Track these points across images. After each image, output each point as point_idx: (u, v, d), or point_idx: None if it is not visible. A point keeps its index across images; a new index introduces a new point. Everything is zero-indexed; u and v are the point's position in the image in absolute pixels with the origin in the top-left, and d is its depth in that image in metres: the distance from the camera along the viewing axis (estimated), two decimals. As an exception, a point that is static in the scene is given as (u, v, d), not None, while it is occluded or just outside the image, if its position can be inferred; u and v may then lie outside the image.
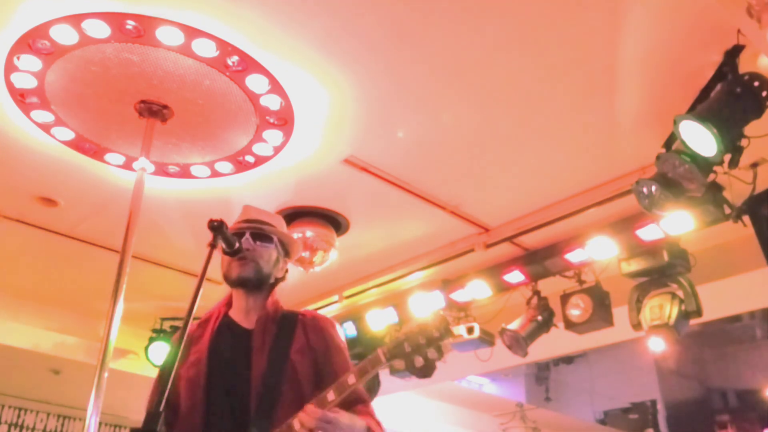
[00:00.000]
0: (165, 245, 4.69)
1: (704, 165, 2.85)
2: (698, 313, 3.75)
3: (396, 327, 5.25)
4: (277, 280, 2.41)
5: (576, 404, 12.94)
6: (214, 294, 2.45)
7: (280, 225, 2.46)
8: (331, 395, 1.93)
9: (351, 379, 1.94)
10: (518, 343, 4.42)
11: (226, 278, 2.31)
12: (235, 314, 2.32)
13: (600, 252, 4.07)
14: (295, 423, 1.94)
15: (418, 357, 1.86)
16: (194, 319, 1.95)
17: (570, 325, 4.28)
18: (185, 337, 2.00)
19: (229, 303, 2.37)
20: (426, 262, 4.74)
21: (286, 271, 2.46)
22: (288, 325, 2.28)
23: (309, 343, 2.26)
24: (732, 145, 2.80)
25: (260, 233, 2.35)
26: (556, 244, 4.31)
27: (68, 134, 3.49)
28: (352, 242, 4.48)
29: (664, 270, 3.87)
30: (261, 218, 2.40)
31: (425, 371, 1.92)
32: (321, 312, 5.48)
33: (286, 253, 2.45)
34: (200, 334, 2.28)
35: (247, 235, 2.30)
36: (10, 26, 2.80)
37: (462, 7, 2.65)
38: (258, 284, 2.31)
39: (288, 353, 2.18)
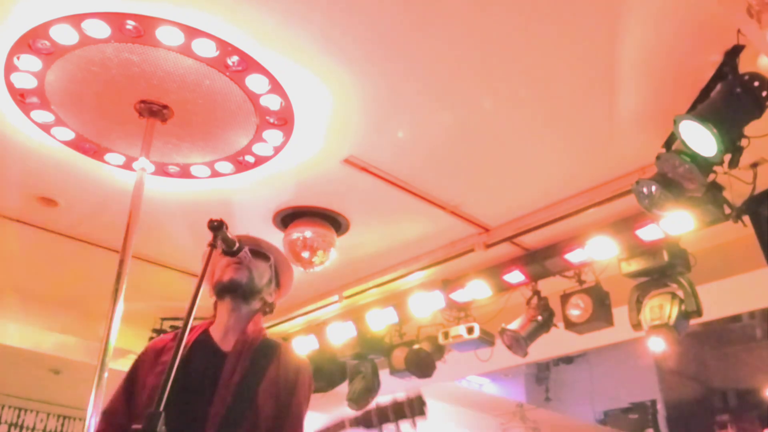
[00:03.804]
0: (165, 245, 4.69)
1: (704, 165, 2.85)
2: (698, 313, 3.75)
3: (396, 327, 5.26)
4: (265, 305, 2.39)
5: (576, 404, 12.92)
6: (214, 294, 2.45)
7: (278, 253, 2.47)
8: None
9: None
10: (518, 343, 4.42)
11: (218, 284, 2.30)
12: (215, 331, 2.28)
13: (600, 252, 4.07)
14: None
15: (383, 428, 1.92)
16: (195, 319, 1.93)
17: (570, 325, 4.28)
18: (157, 351, 2.12)
19: (209, 323, 2.33)
20: (426, 262, 4.74)
21: (274, 304, 2.44)
22: (264, 357, 2.23)
23: (278, 379, 2.21)
24: (732, 145, 2.79)
25: (258, 251, 2.36)
26: (556, 244, 4.31)
27: (68, 134, 3.50)
28: (352, 242, 4.48)
29: (664, 270, 3.87)
30: (258, 240, 2.42)
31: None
32: (321, 312, 5.55)
33: (278, 284, 2.45)
34: (172, 346, 2.18)
35: (246, 249, 2.28)
36: (10, 26, 2.80)
37: (462, 7, 2.65)
38: (247, 295, 2.30)
39: (256, 391, 2.14)
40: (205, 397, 2.09)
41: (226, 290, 2.29)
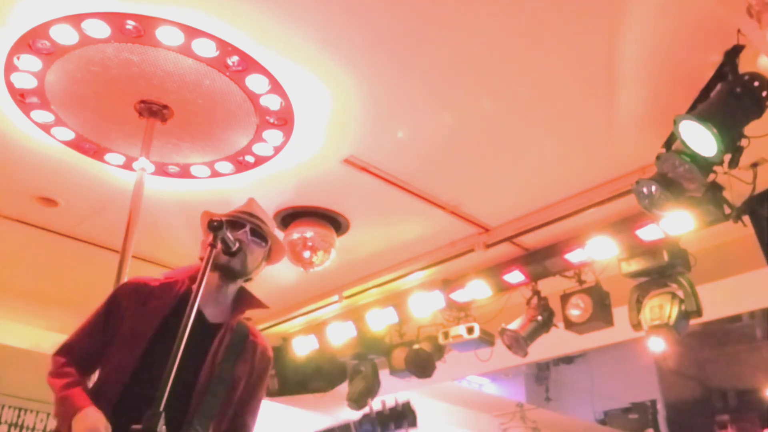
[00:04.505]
0: (165, 245, 4.69)
1: (704, 165, 2.85)
2: (698, 313, 3.75)
3: (396, 327, 5.26)
4: (248, 281, 2.44)
5: (576, 404, 12.93)
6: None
7: (274, 229, 2.51)
8: None
9: None
10: (518, 343, 4.42)
11: (214, 261, 2.28)
12: (202, 298, 2.23)
13: (600, 252, 4.07)
14: None
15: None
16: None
17: (570, 325, 4.28)
18: (143, 294, 2.17)
19: (193, 278, 2.33)
20: (426, 262, 4.74)
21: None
22: (241, 340, 2.33)
23: (253, 365, 2.34)
24: (732, 145, 2.79)
25: (259, 231, 2.38)
26: (556, 244, 4.31)
27: (68, 134, 3.49)
28: (352, 242, 4.48)
29: (664, 270, 3.87)
30: (262, 217, 2.44)
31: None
32: (321, 312, 5.54)
33: (267, 258, 2.49)
34: (160, 294, 2.26)
35: (247, 229, 2.34)
36: (10, 26, 2.80)
37: (462, 7, 2.65)
38: (237, 277, 2.35)
39: (235, 367, 2.25)
40: (194, 363, 2.16)
41: (218, 269, 2.30)
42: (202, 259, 2.33)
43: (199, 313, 2.24)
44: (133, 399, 2.04)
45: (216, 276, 2.31)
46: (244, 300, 2.40)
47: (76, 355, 2.23)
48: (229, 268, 2.29)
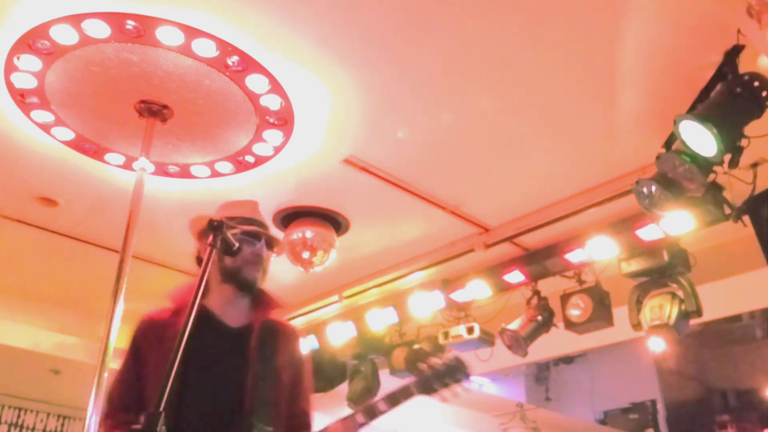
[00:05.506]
0: (165, 245, 4.69)
1: (704, 165, 2.85)
2: (698, 313, 3.75)
3: (396, 327, 5.26)
4: None
5: (576, 404, 12.92)
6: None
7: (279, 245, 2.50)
8: (360, 418, 2.09)
9: (382, 405, 2.11)
10: (518, 343, 4.42)
11: (234, 275, 2.27)
12: (218, 309, 2.27)
13: (600, 252, 4.07)
14: None
15: (442, 391, 2.17)
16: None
17: (570, 325, 4.28)
18: (158, 329, 2.12)
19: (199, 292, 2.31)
20: (426, 262, 4.74)
21: None
22: (273, 333, 2.31)
23: (291, 355, 2.34)
24: (732, 145, 2.79)
25: (270, 242, 2.38)
26: (556, 244, 4.31)
27: (68, 134, 3.50)
28: (352, 242, 4.48)
29: (664, 270, 3.87)
30: (266, 224, 2.44)
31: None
32: (321, 312, 5.54)
33: None
34: (173, 322, 2.14)
35: (263, 242, 2.33)
36: (10, 26, 2.80)
37: (462, 7, 2.65)
38: (256, 290, 2.34)
39: (277, 362, 2.24)
40: (235, 374, 2.15)
41: (238, 284, 2.28)
42: (227, 272, 2.30)
43: (218, 321, 2.25)
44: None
45: (232, 290, 2.28)
46: (264, 301, 2.37)
47: (118, 408, 2.19)
48: (253, 285, 2.28)
